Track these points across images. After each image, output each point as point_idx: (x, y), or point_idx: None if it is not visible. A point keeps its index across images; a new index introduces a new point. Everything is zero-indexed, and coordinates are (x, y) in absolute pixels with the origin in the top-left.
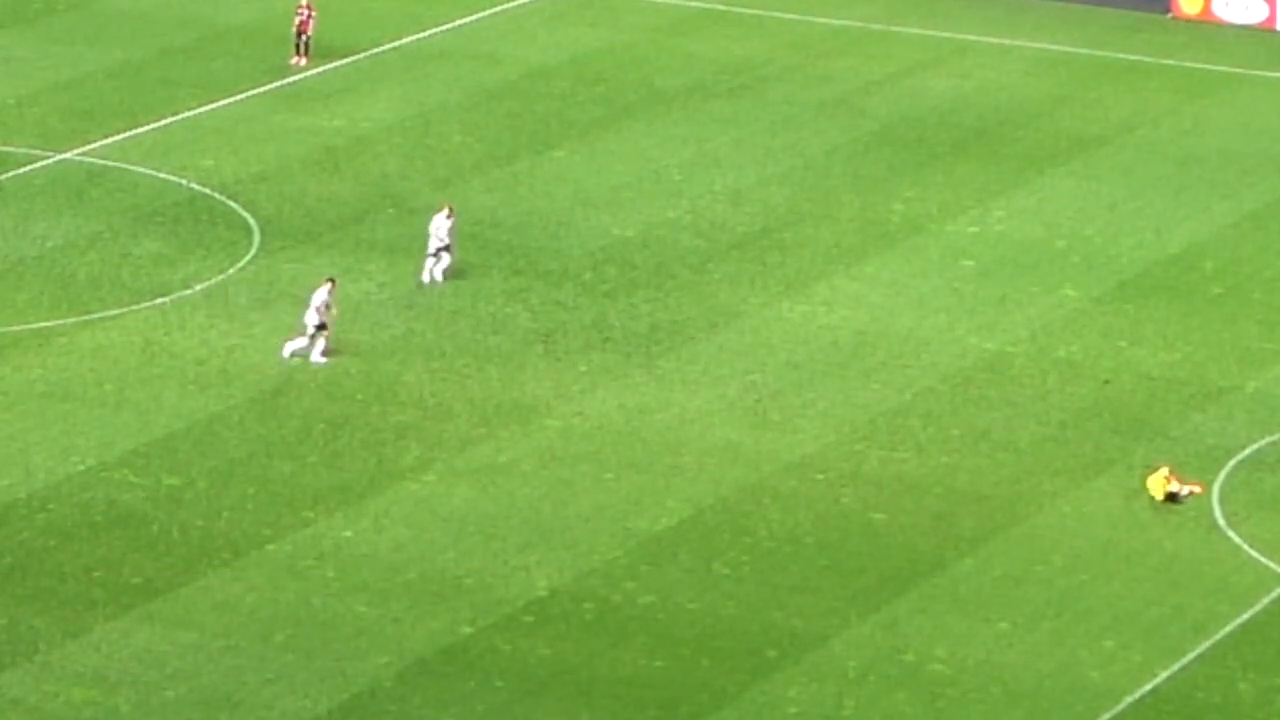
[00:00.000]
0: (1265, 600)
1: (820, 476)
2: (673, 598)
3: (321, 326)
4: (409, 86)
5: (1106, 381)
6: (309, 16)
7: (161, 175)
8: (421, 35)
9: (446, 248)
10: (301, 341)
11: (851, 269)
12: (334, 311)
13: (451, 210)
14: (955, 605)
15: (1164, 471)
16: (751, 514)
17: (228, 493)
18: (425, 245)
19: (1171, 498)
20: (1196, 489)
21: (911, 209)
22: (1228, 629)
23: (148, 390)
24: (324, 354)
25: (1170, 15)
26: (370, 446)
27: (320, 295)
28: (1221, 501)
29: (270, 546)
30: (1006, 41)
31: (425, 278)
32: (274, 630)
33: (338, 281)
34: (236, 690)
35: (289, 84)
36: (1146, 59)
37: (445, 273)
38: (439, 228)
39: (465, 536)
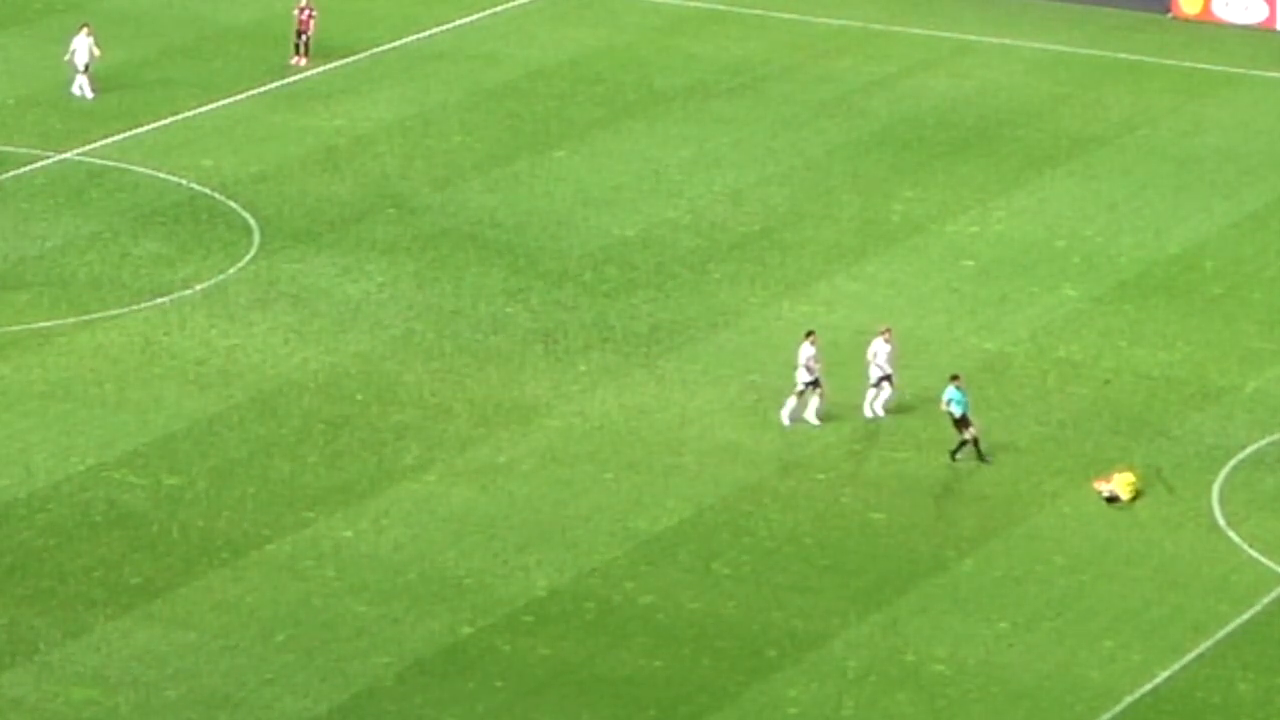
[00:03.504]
0: (1265, 600)
1: (820, 476)
2: (673, 598)
3: (814, 384)
4: (409, 86)
5: (1107, 381)
6: (309, 17)
7: (161, 175)
8: (421, 35)
9: (888, 377)
10: (792, 402)
11: (851, 269)
12: (819, 365)
13: (890, 335)
14: (955, 605)
15: (1128, 477)
16: (751, 514)
17: (228, 493)
18: (866, 375)
19: (1113, 499)
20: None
21: (911, 209)
22: (1228, 629)
23: (148, 390)
24: (818, 414)
25: (1170, 15)
26: (370, 446)
27: (806, 351)
28: (1221, 501)
29: (270, 546)
30: (1006, 41)
31: (867, 412)
32: (274, 630)
33: (816, 334)
34: (236, 690)
35: (289, 84)
36: (1146, 59)
37: (886, 405)
38: (878, 354)
39: (465, 536)
